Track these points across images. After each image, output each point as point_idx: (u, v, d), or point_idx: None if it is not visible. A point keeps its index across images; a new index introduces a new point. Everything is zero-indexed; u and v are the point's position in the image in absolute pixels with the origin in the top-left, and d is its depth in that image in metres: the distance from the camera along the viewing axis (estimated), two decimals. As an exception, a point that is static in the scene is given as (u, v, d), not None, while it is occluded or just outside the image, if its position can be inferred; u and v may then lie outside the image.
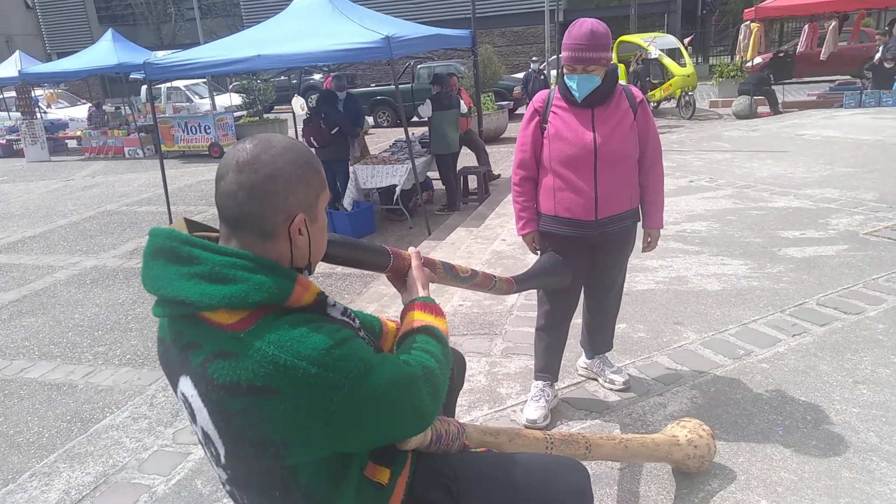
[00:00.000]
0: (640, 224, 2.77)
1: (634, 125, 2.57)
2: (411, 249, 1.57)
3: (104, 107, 17.23)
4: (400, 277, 1.55)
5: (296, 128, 12.67)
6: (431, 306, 1.45)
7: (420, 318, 1.41)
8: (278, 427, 1.09)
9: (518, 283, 1.81)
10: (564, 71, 2.53)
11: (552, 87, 2.73)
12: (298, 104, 8.89)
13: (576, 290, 2.80)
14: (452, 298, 4.34)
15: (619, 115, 2.55)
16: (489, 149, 9.22)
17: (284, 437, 1.10)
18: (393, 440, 1.31)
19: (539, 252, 2.78)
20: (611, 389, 3.03)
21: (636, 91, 2.65)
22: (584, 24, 2.43)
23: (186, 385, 1.18)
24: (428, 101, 7.33)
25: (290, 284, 1.13)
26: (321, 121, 7.27)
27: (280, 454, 1.12)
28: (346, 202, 7.21)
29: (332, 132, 7.23)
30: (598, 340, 3.05)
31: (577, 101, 2.52)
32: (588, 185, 2.55)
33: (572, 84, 2.50)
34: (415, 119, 13.25)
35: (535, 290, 2.90)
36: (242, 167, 1.13)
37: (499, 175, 8.82)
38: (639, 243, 2.82)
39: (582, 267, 2.74)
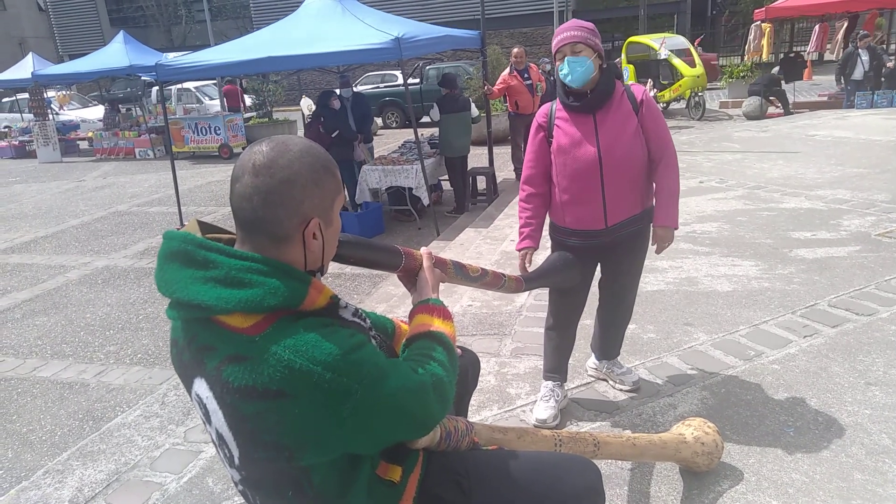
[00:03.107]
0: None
1: (639, 127, 2.51)
2: (423, 250, 1.57)
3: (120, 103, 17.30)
4: (411, 277, 1.54)
5: (305, 129, 12.79)
6: (440, 309, 1.45)
7: (429, 322, 1.41)
8: (292, 430, 1.10)
9: (527, 282, 1.81)
10: (556, 63, 2.50)
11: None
12: (306, 105, 8.94)
13: (584, 290, 2.79)
14: (462, 298, 4.34)
15: (622, 120, 2.50)
16: (498, 150, 9.22)
17: (298, 440, 1.11)
18: (399, 441, 1.32)
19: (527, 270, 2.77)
20: (620, 390, 3.02)
21: (637, 89, 2.57)
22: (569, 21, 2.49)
23: (202, 387, 1.18)
24: (435, 105, 7.33)
25: (304, 288, 1.14)
26: (320, 125, 7.33)
27: (294, 456, 1.13)
28: (359, 199, 7.27)
29: (333, 135, 7.27)
30: (607, 346, 3.04)
31: (573, 85, 2.45)
32: (595, 195, 2.52)
33: (564, 71, 2.45)
34: (424, 120, 13.27)
35: (547, 291, 2.90)
36: (259, 170, 1.13)
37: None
38: (651, 262, 2.78)
39: (591, 269, 2.74)
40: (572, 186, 2.55)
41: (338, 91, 7.74)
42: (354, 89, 8.08)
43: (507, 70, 8.37)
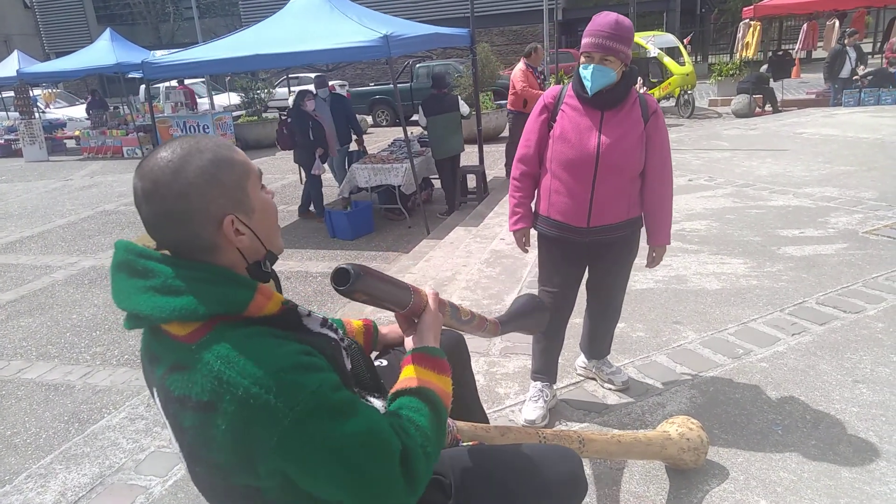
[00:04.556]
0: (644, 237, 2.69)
1: (643, 136, 2.47)
2: (429, 290, 1.39)
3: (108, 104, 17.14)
4: (409, 317, 1.35)
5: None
6: (437, 361, 1.28)
7: (427, 378, 1.24)
8: (221, 448, 1.03)
9: (503, 326, 1.80)
10: (581, 60, 2.43)
11: (565, 83, 2.62)
12: (292, 101, 8.92)
13: (572, 293, 2.78)
14: (451, 297, 4.33)
15: (629, 124, 2.45)
16: (488, 147, 9.19)
17: (228, 459, 1.04)
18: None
19: (527, 250, 2.79)
20: (610, 389, 3.02)
21: (652, 100, 2.52)
22: (610, 14, 2.36)
23: (157, 396, 1.15)
24: (420, 108, 7.27)
25: (248, 294, 1.08)
26: (284, 127, 7.35)
27: (228, 475, 1.07)
28: (343, 192, 7.38)
29: (295, 139, 7.29)
30: (596, 347, 3.03)
31: (589, 93, 2.42)
32: (584, 191, 2.49)
33: (585, 74, 2.40)
34: (414, 118, 13.24)
35: (536, 283, 2.89)
36: (150, 197, 1.07)
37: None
38: (641, 261, 2.77)
39: (576, 273, 2.73)
40: (563, 175, 2.52)
41: (313, 89, 7.70)
42: (323, 91, 7.98)
43: (521, 66, 8.06)
